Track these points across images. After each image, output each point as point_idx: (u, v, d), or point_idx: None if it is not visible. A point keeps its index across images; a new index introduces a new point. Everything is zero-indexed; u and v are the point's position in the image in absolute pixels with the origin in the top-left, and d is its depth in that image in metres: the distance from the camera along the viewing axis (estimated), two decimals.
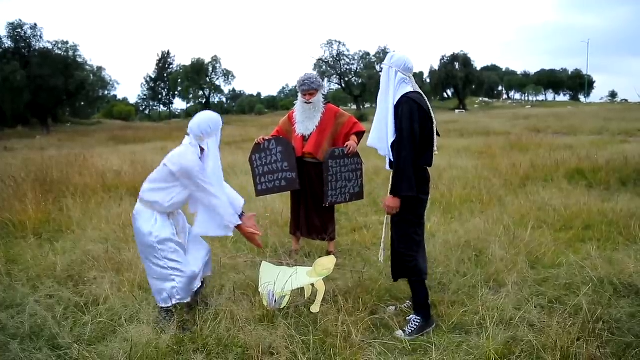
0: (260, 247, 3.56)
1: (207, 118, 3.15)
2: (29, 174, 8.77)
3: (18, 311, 3.38)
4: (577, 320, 2.88)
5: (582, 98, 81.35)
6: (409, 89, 3.04)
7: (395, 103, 3.00)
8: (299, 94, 4.50)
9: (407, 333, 3.01)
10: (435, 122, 3.10)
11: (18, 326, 3.14)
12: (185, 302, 3.19)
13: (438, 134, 3.19)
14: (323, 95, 4.59)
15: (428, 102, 3.09)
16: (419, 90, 3.10)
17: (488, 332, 2.80)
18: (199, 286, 3.28)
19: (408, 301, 3.39)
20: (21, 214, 6.13)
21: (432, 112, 3.08)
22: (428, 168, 3.15)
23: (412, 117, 2.93)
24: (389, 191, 3.05)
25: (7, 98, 34.96)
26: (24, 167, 10.03)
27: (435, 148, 3.10)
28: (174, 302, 3.11)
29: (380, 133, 3.10)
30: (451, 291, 3.64)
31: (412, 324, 3.06)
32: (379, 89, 3.13)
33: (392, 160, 3.03)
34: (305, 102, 4.44)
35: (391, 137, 2.99)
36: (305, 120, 4.48)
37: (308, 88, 4.41)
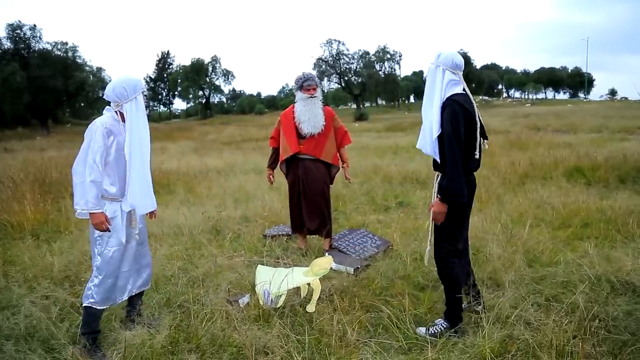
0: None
1: (122, 80, 2.87)
2: (27, 174, 8.76)
3: (13, 312, 3.36)
4: (573, 319, 2.87)
5: (582, 96, 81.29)
6: (458, 89, 2.91)
7: (441, 105, 2.87)
8: (301, 92, 4.52)
9: (430, 333, 2.95)
10: (481, 125, 2.96)
11: (13, 327, 3.12)
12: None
13: (486, 137, 3.06)
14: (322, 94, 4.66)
15: (474, 104, 2.97)
16: (468, 91, 2.96)
17: (484, 331, 2.79)
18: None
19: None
20: (19, 215, 6.12)
21: (478, 114, 2.96)
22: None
23: (457, 120, 2.79)
24: (434, 195, 2.99)
25: (7, 99, 34.98)
26: (23, 168, 10.02)
27: (477, 152, 2.93)
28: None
29: (425, 135, 3.00)
30: None
31: (437, 326, 2.98)
32: (424, 90, 3.00)
33: (438, 161, 2.94)
34: (310, 97, 4.49)
35: (434, 138, 2.89)
36: (312, 118, 4.47)
37: (312, 82, 4.51)
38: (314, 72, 4.79)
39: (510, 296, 3.28)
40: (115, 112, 2.87)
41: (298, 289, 3.49)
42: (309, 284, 3.46)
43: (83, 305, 2.92)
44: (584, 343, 2.57)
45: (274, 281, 3.29)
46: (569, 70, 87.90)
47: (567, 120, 22.62)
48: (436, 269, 3.12)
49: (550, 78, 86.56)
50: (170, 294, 3.67)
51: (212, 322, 2.94)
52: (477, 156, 2.94)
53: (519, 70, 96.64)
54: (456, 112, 2.82)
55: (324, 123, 4.51)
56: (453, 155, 2.80)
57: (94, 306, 2.87)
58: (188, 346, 2.77)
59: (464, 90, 2.94)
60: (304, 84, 4.50)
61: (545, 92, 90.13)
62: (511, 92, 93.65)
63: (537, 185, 7.25)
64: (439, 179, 3.01)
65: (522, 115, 29.93)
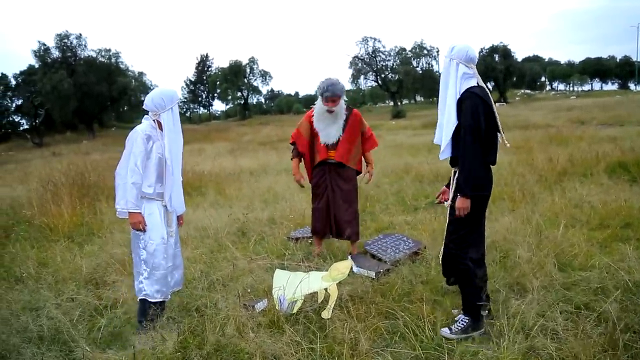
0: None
1: (160, 91, 3.16)
2: (68, 178, 9.09)
3: (39, 314, 3.47)
4: (605, 330, 2.67)
5: (632, 86, 76.97)
6: (472, 83, 2.87)
7: (458, 98, 2.84)
8: (320, 100, 4.30)
9: (453, 331, 2.94)
10: (497, 118, 2.91)
11: (36, 329, 3.22)
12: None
13: (500, 131, 2.99)
14: (345, 101, 4.43)
15: (491, 97, 2.93)
16: (483, 84, 2.93)
17: (505, 341, 2.64)
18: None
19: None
20: (57, 218, 6.35)
21: (494, 107, 2.91)
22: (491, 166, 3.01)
23: (477, 112, 2.77)
24: (452, 191, 2.98)
25: (56, 105, 36.86)
26: (65, 172, 10.41)
27: (499, 144, 2.92)
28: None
29: (441, 130, 2.97)
30: None
31: (459, 323, 2.97)
32: (439, 84, 2.99)
33: (456, 156, 2.90)
34: (328, 111, 4.26)
35: (449, 135, 2.88)
36: (327, 127, 4.32)
37: (332, 95, 4.18)
38: (335, 78, 4.33)
39: (536, 304, 3.09)
40: (153, 120, 3.13)
41: (315, 294, 3.43)
42: (326, 289, 3.39)
43: (138, 298, 3.15)
44: (613, 359, 2.37)
45: (290, 286, 3.24)
46: (617, 60, 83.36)
47: (614, 112, 21.44)
48: (446, 265, 3.06)
49: (596, 69, 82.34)
50: (190, 298, 3.70)
51: (224, 327, 2.92)
52: (506, 143, 2.91)
53: (562, 62, 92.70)
54: (476, 104, 2.79)
55: (342, 134, 4.34)
56: (474, 148, 2.77)
57: (147, 299, 3.11)
58: (199, 352, 2.76)
59: (477, 84, 2.89)
60: (324, 94, 4.22)
61: (592, 84, 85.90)
62: (555, 84, 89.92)
63: (575, 182, 6.86)
64: (457, 175, 2.93)
65: (566, 108, 28.65)
